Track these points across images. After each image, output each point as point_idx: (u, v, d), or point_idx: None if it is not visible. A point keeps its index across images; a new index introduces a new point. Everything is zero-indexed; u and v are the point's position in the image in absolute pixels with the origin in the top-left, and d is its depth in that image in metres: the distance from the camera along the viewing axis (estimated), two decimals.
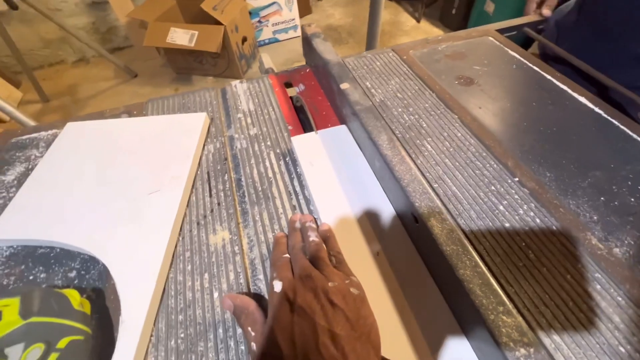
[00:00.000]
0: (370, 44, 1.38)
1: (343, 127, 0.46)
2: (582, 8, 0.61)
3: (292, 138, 0.44)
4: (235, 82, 0.56)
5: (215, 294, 0.31)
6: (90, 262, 0.34)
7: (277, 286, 0.27)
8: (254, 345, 0.25)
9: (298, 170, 0.42)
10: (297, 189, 0.40)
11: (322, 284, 0.25)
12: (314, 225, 0.33)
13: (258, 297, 0.31)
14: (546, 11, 0.66)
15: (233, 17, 1.64)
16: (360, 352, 0.22)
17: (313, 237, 0.31)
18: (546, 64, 0.55)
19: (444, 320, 0.28)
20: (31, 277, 0.33)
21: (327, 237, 0.32)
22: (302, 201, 0.38)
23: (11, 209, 0.37)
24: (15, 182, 0.43)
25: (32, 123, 0.85)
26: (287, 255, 0.31)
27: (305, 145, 0.43)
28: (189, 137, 0.44)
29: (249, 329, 0.26)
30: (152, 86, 1.87)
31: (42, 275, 0.33)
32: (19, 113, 0.86)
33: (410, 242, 0.34)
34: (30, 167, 0.44)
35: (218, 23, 1.60)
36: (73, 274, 0.33)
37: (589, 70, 0.54)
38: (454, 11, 2.07)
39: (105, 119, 0.49)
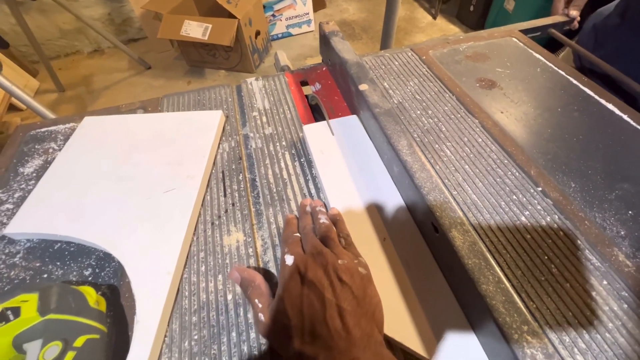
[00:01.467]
0: (385, 41, 1.35)
1: (354, 116, 0.46)
2: (627, 13, 0.58)
3: (304, 127, 0.44)
4: (251, 80, 0.55)
5: (229, 296, 0.31)
6: (105, 260, 0.34)
7: (289, 260, 0.28)
8: (261, 316, 0.26)
9: (314, 172, 0.41)
10: (313, 191, 0.39)
11: (332, 261, 0.26)
12: (324, 210, 0.34)
13: (264, 273, 0.32)
14: (574, 12, 0.63)
15: (247, 10, 1.63)
16: (365, 327, 0.23)
17: (323, 219, 0.32)
18: (572, 68, 0.53)
19: (446, 304, 0.29)
20: (47, 274, 0.33)
21: (336, 221, 0.33)
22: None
23: (29, 203, 0.38)
24: (34, 174, 0.43)
25: (51, 115, 0.86)
26: (298, 234, 0.32)
27: (316, 133, 0.44)
28: (204, 135, 0.44)
29: (256, 300, 0.27)
30: (165, 78, 1.88)
31: (59, 272, 0.33)
32: (39, 105, 0.87)
33: (416, 230, 0.34)
34: (48, 160, 0.45)
35: (232, 16, 1.59)
36: (88, 271, 0.33)
37: (623, 80, 0.52)
38: (471, 8, 2.02)
39: (121, 114, 0.49)
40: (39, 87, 1.86)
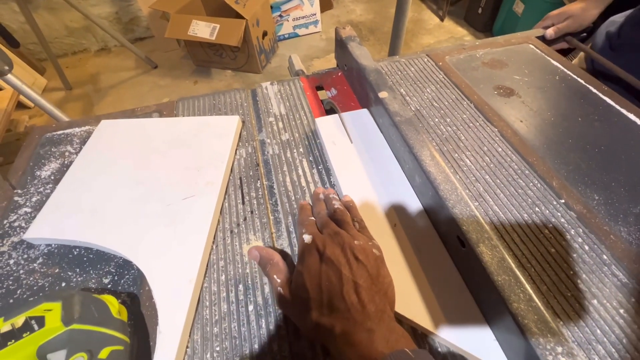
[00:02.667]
0: (394, 43, 1.35)
1: (364, 110, 0.48)
2: None
3: (316, 119, 0.46)
4: (266, 84, 0.55)
5: (250, 307, 0.31)
6: (124, 267, 0.34)
7: (307, 238, 0.30)
8: (280, 290, 0.28)
9: (332, 180, 0.41)
10: None
11: (349, 241, 0.28)
12: (336, 197, 0.36)
13: (281, 252, 0.34)
14: (551, 32, 0.62)
15: (255, 10, 1.63)
16: (378, 303, 0.25)
17: (337, 205, 0.33)
18: (591, 76, 0.52)
19: (454, 285, 0.30)
20: (66, 281, 0.33)
21: (349, 207, 0.34)
22: None
23: (48, 208, 0.37)
24: (52, 177, 0.43)
25: (60, 114, 0.86)
26: (313, 218, 0.33)
27: (328, 126, 0.45)
28: (222, 140, 0.43)
29: (275, 276, 0.29)
30: (171, 78, 1.88)
31: (78, 279, 0.33)
32: (54, 108, 0.87)
33: (425, 217, 0.35)
34: (65, 163, 0.45)
35: (239, 16, 1.59)
36: (108, 278, 0.33)
37: (637, 85, 0.51)
38: (480, 10, 2.01)
39: (137, 118, 0.49)
40: (47, 85, 1.86)
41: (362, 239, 0.29)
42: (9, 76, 0.88)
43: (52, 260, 0.35)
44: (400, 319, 0.29)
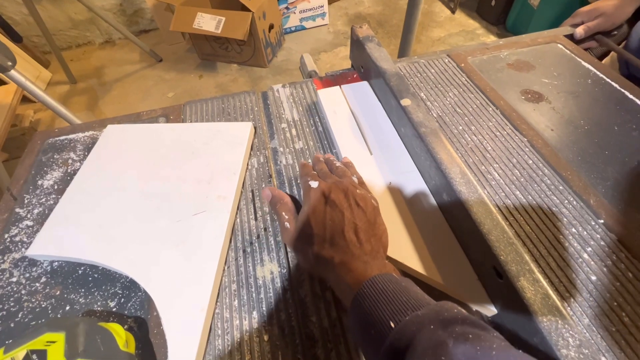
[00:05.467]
0: (405, 38, 1.30)
1: (365, 82, 0.50)
2: None
3: (318, 91, 0.48)
4: (277, 87, 0.52)
5: (266, 337, 0.29)
6: (131, 288, 0.32)
7: (314, 184, 0.32)
8: (287, 224, 0.32)
9: None
10: None
11: (352, 189, 0.31)
12: (336, 160, 0.38)
13: (291, 197, 0.36)
14: (580, 31, 0.58)
15: (261, 3, 1.58)
16: (374, 244, 0.28)
17: (338, 164, 0.36)
18: (626, 80, 0.49)
19: (442, 234, 0.33)
20: (70, 303, 0.31)
21: (348, 166, 0.37)
22: None
23: (52, 222, 0.35)
24: (54, 187, 0.41)
25: (77, 121, 0.83)
26: (315, 172, 0.35)
27: (330, 97, 0.47)
28: (234, 149, 0.41)
29: (283, 213, 0.32)
30: (176, 71, 1.85)
31: (82, 301, 0.31)
32: (65, 110, 0.85)
33: (419, 176, 0.38)
34: (68, 171, 0.43)
35: (245, 9, 1.54)
36: (114, 301, 0.31)
37: None
38: (493, 2, 1.94)
39: (144, 123, 0.47)
40: (51, 78, 1.84)
41: (363, 189, 0.32)
42: (13, 72, 0.85)
43: (56, 279, 0.33)
44: (393, 265, 0.30)
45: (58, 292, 0.32)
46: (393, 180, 0.37)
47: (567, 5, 1.53)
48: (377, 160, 0.40)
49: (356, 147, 0.41)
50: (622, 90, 0.47)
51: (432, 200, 0.35)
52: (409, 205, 0.35)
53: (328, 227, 0.28)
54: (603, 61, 0.67)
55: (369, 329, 0.22)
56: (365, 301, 0.23)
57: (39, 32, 1.62)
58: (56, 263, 0.34)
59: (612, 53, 0.65)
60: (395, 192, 0.36)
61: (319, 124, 0.46)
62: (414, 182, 0.37)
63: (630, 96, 0.46)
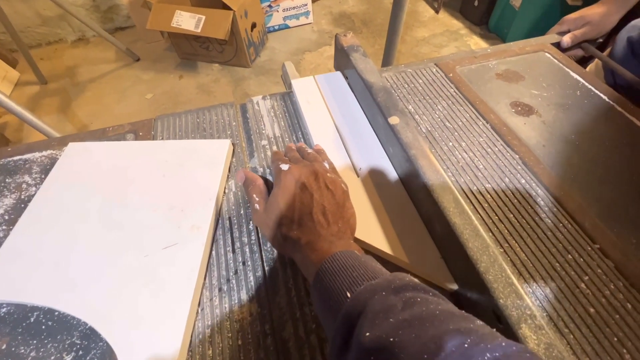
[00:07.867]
0: (390, 39, 1.28)
1: (338, 73, 0.51)
2: None
3: (292, 81, 0.49)
4: (257, 98, 0.49)
5: None
6: (91, 337, 0.28)
7: (285, 167, 0.32)
8: (257, 206, 0.32)
9: None
10: None
11: (322, 172, 0.32)
12: (308, 148, 0.38)
13: (264, 179, 0.36)
14: (567, 40, 0.57)
15: (243, 1, 1.53)
16: (341, 226, 0.29)
17: (310, 150, 0.37)
18: (614, 92, 0.48)
19: (409, 216, 0.34)
20: (18, 359, 0.27)
21: (320, 153, 0.37)
22: None
23: (1, 259, 0.31)
24: (5, 217, 0.36)
25: (56, 134, 0.76)
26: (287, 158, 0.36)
27: (304, 87, 0.48)
28: (211, 171, 0.37)
29: (254, 195, 0.33)
30: (155, 71, 1.77)
31: (32, 354, 0.27)
32: (40, 122, 0.77)
33: (389, 163, 0.39)
34: (21, 197, 0.38)
35: (226, 7, 1.49)
36: (70, 355, 0.27)
37: None
38: (476, 3, 1.95)
39: (110, 140, 0.43)
40: (19, 78, 1.73)
41: (334, 174, 0.33)
42: None
43: (2, 329, 0.29)
44: (360, 246, 0.30)
45: (4, 346, 0.28)
46: (363, 166, 0.38)
47: (548, 7, 1.55)
48: (348, 147, 0.41)
49: (329, 135, 0.42)
50: (612, 103, 0.46)
51: (400, 185, 0.37)
52: (377, 189, 0.36)
53: (297, 208, 0.29)
54: (587, 68, 0.67)
55: (328, 301, 0.23)
56: (326, 276, 0.24)
57: (3, 28, 1.52)
58: (4, 309, 0.30)
59: (597, 60, 0.64)
60: (365, 177, 0.38)
61: (302, 139, 0.43)
62: (383, 168, 0.38)
63: (620, 109, 0.46)
